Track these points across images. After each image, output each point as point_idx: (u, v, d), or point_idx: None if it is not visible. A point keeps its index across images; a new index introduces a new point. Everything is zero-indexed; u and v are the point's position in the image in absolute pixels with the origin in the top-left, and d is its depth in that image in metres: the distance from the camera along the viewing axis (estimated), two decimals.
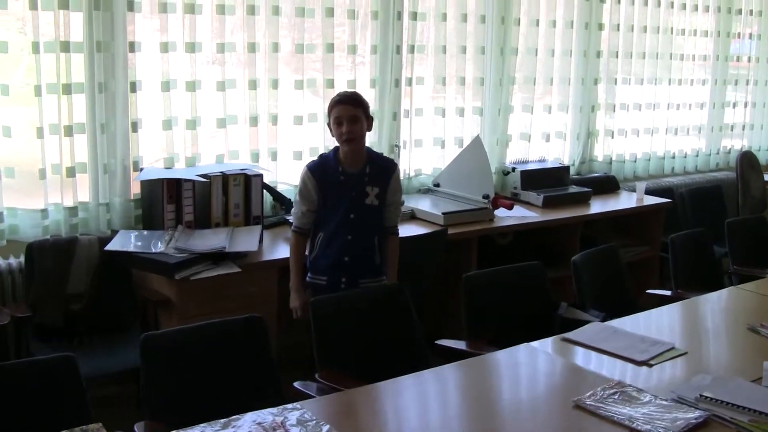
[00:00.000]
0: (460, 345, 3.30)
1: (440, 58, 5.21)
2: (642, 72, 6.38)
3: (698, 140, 7.00)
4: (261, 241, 4.16)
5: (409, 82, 5.11)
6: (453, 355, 3.23)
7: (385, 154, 4.93)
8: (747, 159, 6.62)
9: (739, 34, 7.09)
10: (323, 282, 3.64)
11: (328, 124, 3.62)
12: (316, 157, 3.77)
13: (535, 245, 5.32)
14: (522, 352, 2.99)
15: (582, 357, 2.97)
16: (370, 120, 3.64)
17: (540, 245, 5.32)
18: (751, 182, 6.57)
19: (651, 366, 2.86)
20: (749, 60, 7.26)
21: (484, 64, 5.45)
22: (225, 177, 4.11)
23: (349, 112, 3.52)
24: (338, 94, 3.62)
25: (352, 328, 3.21)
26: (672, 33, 6.53)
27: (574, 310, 3.60)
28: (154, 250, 3.76)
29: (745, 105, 7.32)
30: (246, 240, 3.91)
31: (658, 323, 3.39)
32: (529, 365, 2.93)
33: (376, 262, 3.70)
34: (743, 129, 7.36)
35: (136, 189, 4.24)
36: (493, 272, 3.65)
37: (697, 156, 6.97)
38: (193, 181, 4.03)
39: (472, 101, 5.47)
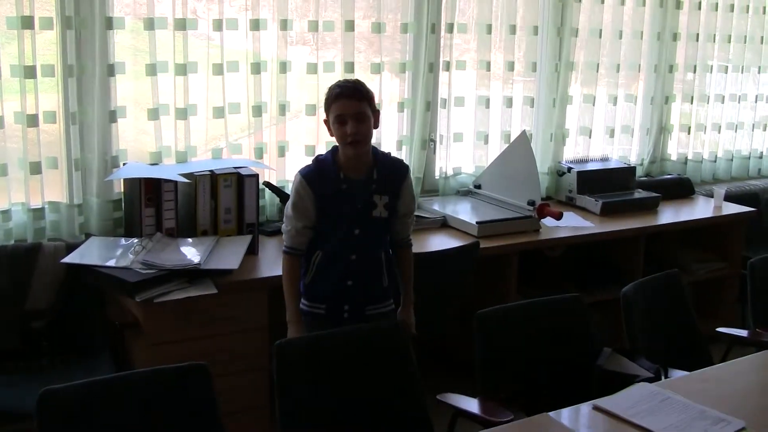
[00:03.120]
0: (469, 404, 2.62)
1: (484, 39, 4.49)
2: (726, 58, 5.54)
3: None
4: (256, 251, 3.55)
5: (447, 66, 4.41)
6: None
7: (416, 150, 4.30)
8: None
9: None
10: (322, 311, 3.02)
11: (326, 122, 2.98)
12: (309, 162, 3.10)
13: (591, 259, 4.61)
14: (537, 426, 2.30)
15: None
16: (377, 114, 2.99)
17: (597, 258, 4.60)
18: None
19: None
20: None
21: (537, 46, 4.72)
22: (214, 177, 3.51)
23: (355, 108, 2.87)
24: (337, 85, 2.95)
25: (324, 381, 2.56)
26: (764, 12, 5.66)
27: (618, 359, 2.87)
28: (116, 264, 3.18)
29: None
30: (228, 255, 3.29)
31: (726, 385, 2.64)
32: None
33: (384, 284, 3.07)
34: None
35: (121, 188, 3.67)
36: (515, 308, 2.96)
37: None
38: (175, 182, 3.43)
39: (523, 90, 4.75)
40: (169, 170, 3.53)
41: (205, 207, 3.51)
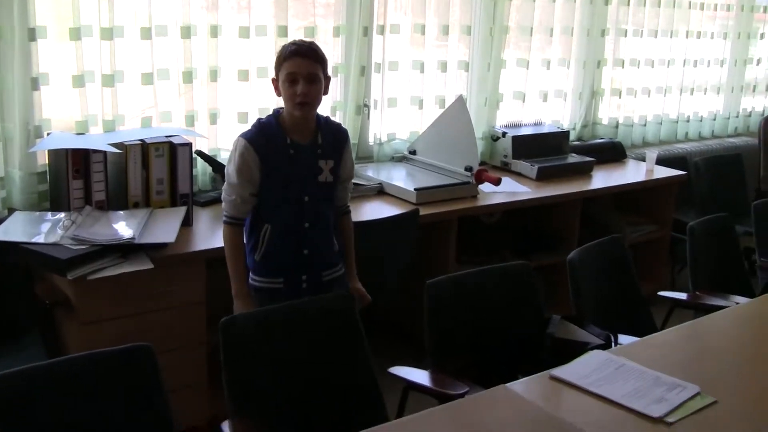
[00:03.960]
0: (420, 377, 2.56)
1: (419, 2, 4.41)
2: (656, 23, 5.55)
3: (716, 101, 6.20)
4: (190, 223, 3.42)
5: (381, 30, 4.30)
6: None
7: (351, 116, 4.20)
8: None
9: None
10: (280, 285, 2.91)
11: (274, 80, 2.85)
12: (250, 126, 2.97)
13: (527, 224, 4.60)
14: (495, 399, 2.24)
15: (576, 405, 2.23)
16: (328, 80, 2.88)
17: (534, 223, 4.60)
18: None
19: (670, 424, 2.13)
20: None
21: (471, 9, 4.63)
22: (145, 146, 3.35)
23: (308, 69, 2.76)
24: (293, 43, 2.82)
25: (272, 358, 2.45)
26: None
27: (568, 326, 2.84)
28: (44, 240, 3.00)
29: None
30: (163, 228, 3.15)
31: (677, 350, 2.63)
32: (500, 421, 2.18)
33: (335, 248, 2.99)
34: (766, 89, 6.56)
35: (45, 159, 3.47)
36: (465, 276, 2.88)
37: (714, 119, 6.19)
38: (104, 152, 3.27)
39: (457, 54, 4.66)
40: (98, 140, 3.36)
41: (137, 178, 3.35)
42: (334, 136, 2.94)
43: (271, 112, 2.93)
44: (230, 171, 2.85)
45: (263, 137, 2.84)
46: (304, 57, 2.76)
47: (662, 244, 5.02)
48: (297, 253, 2.89)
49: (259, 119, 2.95)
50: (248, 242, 2.92)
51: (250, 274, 2.94)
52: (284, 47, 2.83)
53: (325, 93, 2.88)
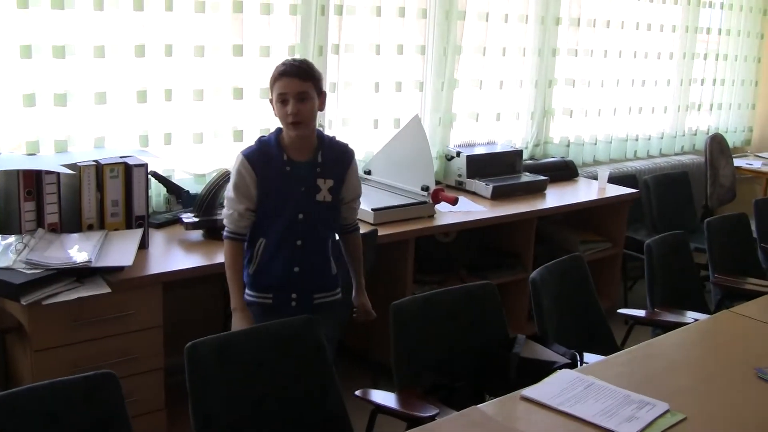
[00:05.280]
0: (387, 399, 2.53)
1: (374, 22, 4.40)
2: (605, 44, 5.63)
3: (663, 121, 6.30)
4: (146, 246, 3.35)
5: (336, 49, 4.28)
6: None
7: None
8: (717, 143, 5.93)
9: (710, 2, 6.38)
10: (269, 300, 2.92)
11: (270, 101, 2.87)
12: (252, 143, 2.97)
13: (482, 242, 4.61)
14: (468, 421, 2.22)
15: (549, 425, 2.22)
16: (323, 96, 2.90)
17: (489, 242, 4.61)
18: (720, 169, 5.89)
19: None
20: (719, 32, 6.56)
21: (425, 29, 4.65)
22: (99, 167, 3.27)
23: (296, 88, 2.78)
24: (283, 63, 2.85)
25: (238, 382, 2.40)
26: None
27: (534, 346, 2.84)
28: None
29: (714, 82, 6.63)
30: (119, 251, 3.07)
31: (643, 367, 2.64)
32: None
33: (332, 272, 2.99)
34: (710, 108, 6.69)
35: None
36: (430, 297, 2.86)
37: (662, 138, 6.29)
38: (57, 173, 3.19)
39: (412, 74, 4.66)
40: (50, 161, 3.28)
41: (91, 200, 3.27)
42: (336, 155, 2.95)
43: (273, 131, 2.95)
44: (230, 186, 2.91)
45: (261, 154, 2.88)
46: (292, 77, 2.79)
47: (615, 261, 5.07)
48: (287, 270, 2.89)
49: (261, 137, 2.98)
50: (246, 256, 2.93)
51: (245, 288, 2.94)
52: (276, 68, 2.85)
53: (321, 109, 2.91)
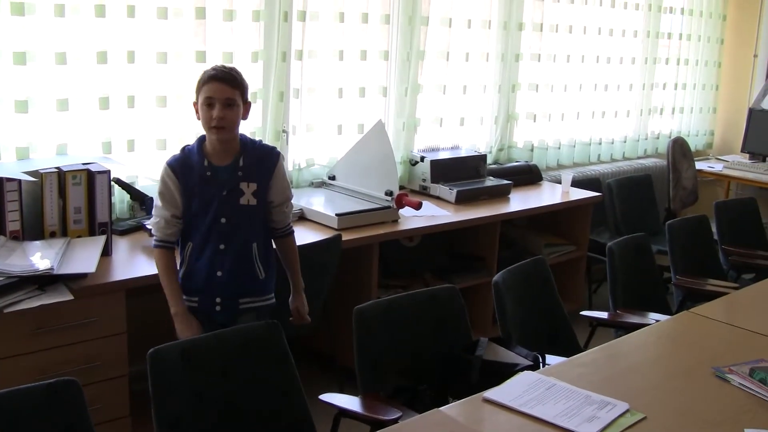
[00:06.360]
0: (350, 402, 2.54)
1: (337, 28, 4.41)
2: (568, 48, 5.68)
3: (626, 124, 6.37)
4: (109, 252, 3.33)
5: (300, 55, 4.29)
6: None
7: (270, 142, 4.17)
8: (679, 146, 6.01)
9: (671, 8, 6.47)
10: (195, 304, 2.93)
11: (195, 104, 2.87)
12: (178, 151, 2.98)
13: (447, 246, 4.64)
14: (431, 424, 2.23)
15: (510, 426, 2.24)
16: (247, 105, 2.92)
17: (454, 246, 4.63)
18: (682, 172, 5.97)
19: None
20: (680, 37, 6.65)
21: (389, 35, 4.67)
22: (61, 174, 3.26)
23: (224, 94, 2.80)
24: (213, 68, 2.86)
25: (201, 388, 2.40)
26: (600, 5, 5.86)
27: (496, 348, 2.87)
28: None
29: (675, 87, 6.72)
30: (82, 258, 3.06)
31: (604, 368, 2.67)
32: None
33: (260, 276, 2.97)
34: (672, 112, 6.78)
35: None
36: (393, 300, 2.88)
37: (625, 142, 6.35)
38: (19, 180, 3.17)
39: (376, 79, 4.69)
40: (11, 168, 3.27)
41: (53, 207, 3.26)
42: (259, 158, 2.94)
43: (197, 138, 2.94)
44: (156, 195, 2.93)
45: (184, 161, 2.91)
46: (221, 82, 2.81)
47: (579, 264, 5.12)
48: (210, 274, 2.90)
49: (186, 145, 2.97)
50: (178, 260, 2.95)
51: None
52: (204, 72, 2.87)
53: (244, 118, 2.92)
